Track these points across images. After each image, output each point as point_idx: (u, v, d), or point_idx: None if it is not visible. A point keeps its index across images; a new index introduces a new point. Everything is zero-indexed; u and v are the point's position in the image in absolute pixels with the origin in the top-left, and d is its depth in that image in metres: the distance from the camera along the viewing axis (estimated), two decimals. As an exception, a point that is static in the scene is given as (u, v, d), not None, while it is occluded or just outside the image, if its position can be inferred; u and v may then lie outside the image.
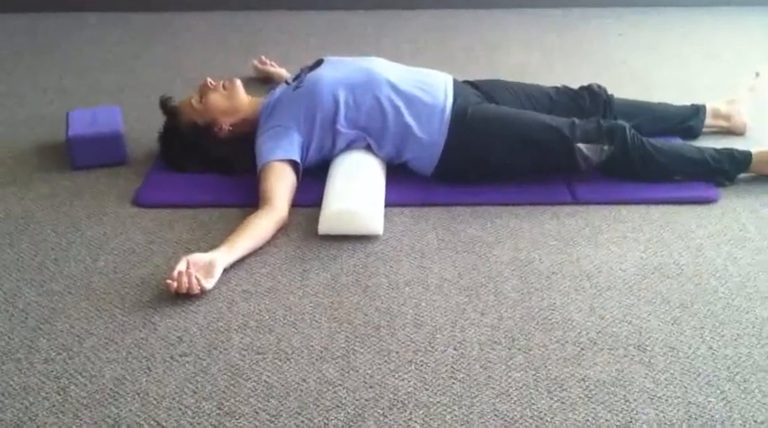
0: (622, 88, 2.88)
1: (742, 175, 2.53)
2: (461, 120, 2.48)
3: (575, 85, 2.79)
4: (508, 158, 2.49)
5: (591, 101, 2.72)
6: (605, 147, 2.44)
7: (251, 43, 3.93)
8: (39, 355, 1.82)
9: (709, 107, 2.86)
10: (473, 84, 2.72)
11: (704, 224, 2.32)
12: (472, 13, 4.41)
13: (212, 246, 2.14)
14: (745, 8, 4.42)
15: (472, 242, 2.25)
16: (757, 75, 2.99)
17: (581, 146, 2.43)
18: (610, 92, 2.75)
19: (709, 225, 2.32)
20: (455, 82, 2.63)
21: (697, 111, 2.84)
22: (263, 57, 3.44)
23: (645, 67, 3.59)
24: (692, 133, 2.81)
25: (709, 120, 2.85)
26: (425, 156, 2.50)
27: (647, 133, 2.54)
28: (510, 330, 1.90)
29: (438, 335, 1.88)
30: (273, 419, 1.65)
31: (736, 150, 2.53)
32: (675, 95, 3.02)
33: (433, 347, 1.85)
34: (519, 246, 2.23)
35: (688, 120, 2.82)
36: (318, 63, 2.65)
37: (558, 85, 2.79)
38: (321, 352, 1.84)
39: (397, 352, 1.83)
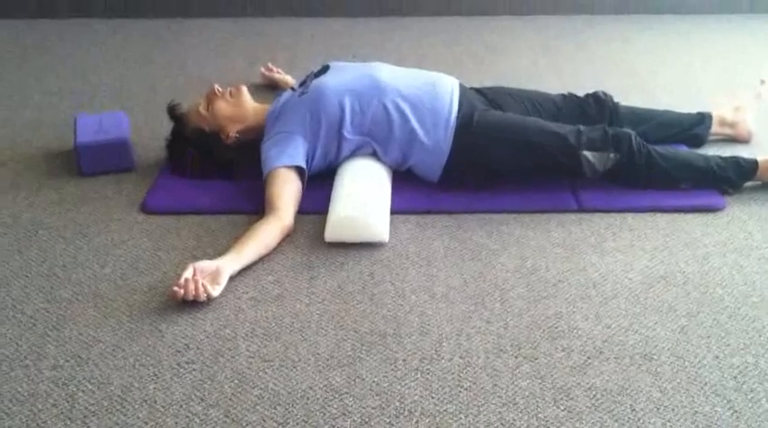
0: (627, 94, 2.89)
1: (748, 183, 2.53)
2: (467, 125, 2.49)
3: (580, 91, 2.79)
4: (514, 165, 2.50)
5: (596, 108, 2.72)
6: (611, 155, 2.44)
7: (257, 49, 3.94)
8: (47, 362, 1.83)
9: (715, 115, 2.86)
10: (478, 91, 2.72)
11: (710, 232, 2.33)
12: (475, 20, 4.42)
13: (219, 253, 2.15)
14: (750, 15, 4.42)
15: (478, 250, 2.25)
16: (762, 82, 2.99)
17: (587, 153, 2.43)
18: (616, 99, 2.75)
19: (715, 233, 2.32)
20: (461, 87, 2.63)
21: (703, 118, 2.84)
22: (270, 65, 3.45)
23: (649, 73, 3.60)
24: (698, 141, 2.81)
25: (715, 128, 2.85)
26: (431, 161, 2.51)
27: (653, 140, 2.55)
28: (516, 338, 1.90)
29: (444, 344, 1.89)
30: (280, 427, 1.66)
31: (742, 158, 2.54)
32: (680, 101, 3.02)
33: (439, 355, 1.85)
34: (525, 254, 2.23)
35: (694, 128, 2.82)
36: (324, 69, 2.66)
37: (564, 93, 2.79)
38: (327, 359, 1.84)
39: (403, 360, 1.83)
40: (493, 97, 2.69)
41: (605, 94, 2.75)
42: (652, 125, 2.74)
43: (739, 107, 2.91)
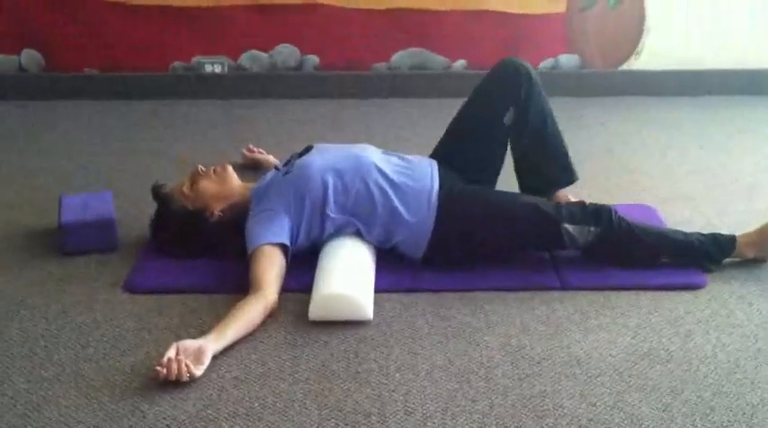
0: (607, 176, 2.92)
1: (728, 261, 2.56)
2: (448, 201, 2.52)
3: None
4: (496, 240, 2.53)
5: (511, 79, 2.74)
6: (591, 229, 2.47)
7: (241, 131, 3.98)
8: (25, 444, 1.80)
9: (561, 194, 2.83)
10: (451, 162, 2.75)
11: (692, 310, 2.34)
12: (459, 102, 4.47)
13: (202, 332, 2.14)
14: (728, 97, 4.49)
15: (462, 328, 2.26)
16: None
17: (568, 226, 2.46)
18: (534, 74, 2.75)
19: (697, 311, 2.34)
20: (440, 168, 2.67)
21: (572, 175, 2.83)
22: (251, 146, 3.48)
23: (628, 156, 3.63)
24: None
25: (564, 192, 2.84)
26: (414, 239, 2.53)
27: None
28: (501, 418, 1.89)
29: (429, 423, 1.87)
30: None
31: (720, 234, 2.57)
32: (660, 183, 3.05)
33: (424, 435, 1.84)
34: (509, 333, 2.23)
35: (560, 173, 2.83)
36: (308, 149, 2.70)
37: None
38: (311, 440, 1.82)
39: (388, 441, 1.82)
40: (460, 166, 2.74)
41: (523, 66, 2.75)
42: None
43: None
